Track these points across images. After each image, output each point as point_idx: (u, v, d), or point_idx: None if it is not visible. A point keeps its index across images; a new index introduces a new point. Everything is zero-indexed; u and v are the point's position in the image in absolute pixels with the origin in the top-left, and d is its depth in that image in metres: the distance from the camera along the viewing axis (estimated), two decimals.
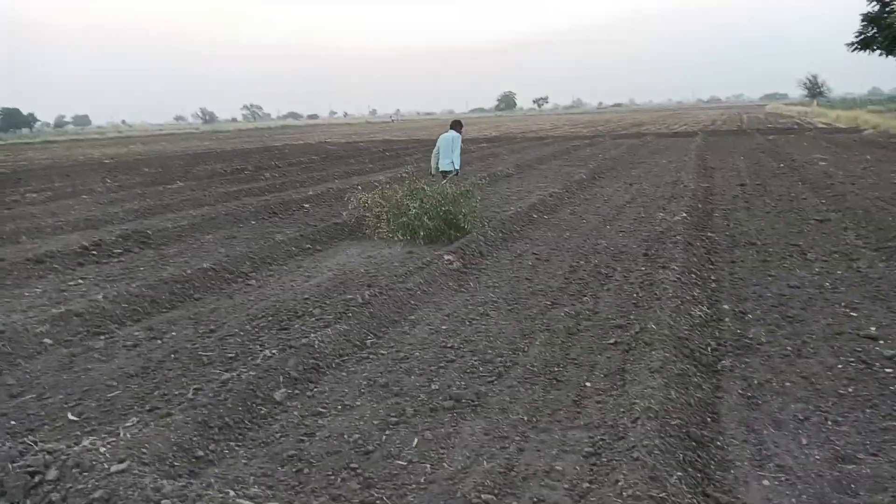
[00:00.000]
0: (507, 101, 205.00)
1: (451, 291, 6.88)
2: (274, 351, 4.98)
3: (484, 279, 7.31)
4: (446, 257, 7.77)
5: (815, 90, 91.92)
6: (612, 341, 5.16)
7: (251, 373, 4.50)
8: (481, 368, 4.78)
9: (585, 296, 6.48)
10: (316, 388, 4.56)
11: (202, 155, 33.08)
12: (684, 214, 9.86)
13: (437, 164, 11.61)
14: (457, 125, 11.79)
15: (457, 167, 11.52)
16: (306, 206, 13.44)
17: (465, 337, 5.46)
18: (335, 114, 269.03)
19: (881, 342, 4.89)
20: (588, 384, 4.41)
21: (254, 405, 4.19)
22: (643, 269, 7.27)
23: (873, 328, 5.17)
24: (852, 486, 3.15)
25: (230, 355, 5.19)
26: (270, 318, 6.12)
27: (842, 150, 21.02)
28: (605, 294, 6.49)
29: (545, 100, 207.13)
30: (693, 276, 6.68)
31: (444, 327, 5.73)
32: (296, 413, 4.18)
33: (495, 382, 4.53)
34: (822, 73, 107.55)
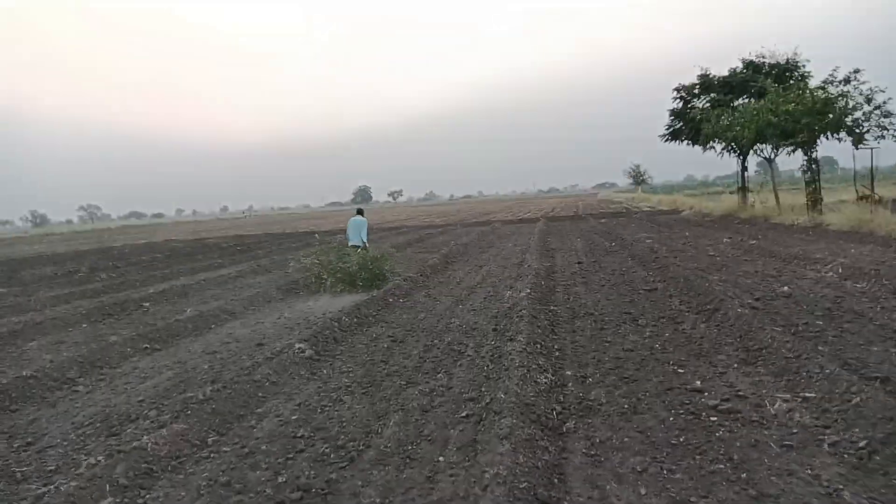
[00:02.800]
0: (362, 195, 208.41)
1: (302, 380, 6.65)
2: (100, 458, 4.50)
3: (338, 364, 7.16)
4: (297, 345, 7.54)
5: (638, 178, 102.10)
6: (464, 414, 5.20)
7: (72, 483, 4.02)
8: (333, 455, 4.60)
9: (439, 373, 6.52)
10: (148, 494, 4.15)
11: (30, 259, 30.27)
12: (529, 291, 10.34)
13: (349, 241, 14.78)
14: (360, 212, 15.69)
15: (365, 241, 14.77)
16: (146, 304, 12.60)
17: (316, 425, 5.25)
18: (182, 212, 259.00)
19: (706, 394, 5.31)
20: (441, 459, 4.38)
21: None
22: (493, 343, 7.47)
23: (698, 382, 5.62)
24: None
25: (50, 468, 4.63)
26: (99, 425, 5.56)
27: (664, 228, 23.29)
28: (457, 370, 6.57)
29: (399, 193, 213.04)
30: (538, 346, 6.96)
31: (294, 417, 5.49)
32: None
33: (347, 468, 4.37)
34: (645, 163, 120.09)
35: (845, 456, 3.99)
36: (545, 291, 10.80)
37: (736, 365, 6.04)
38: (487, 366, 6.53)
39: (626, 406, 5.15)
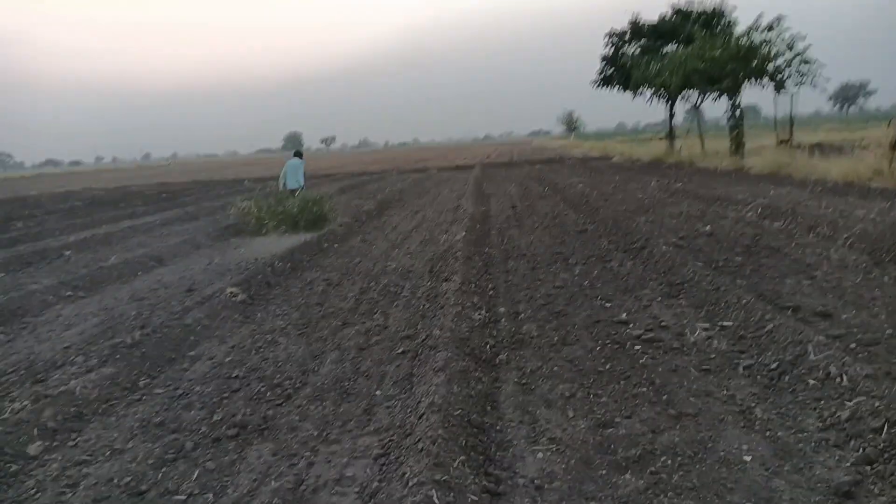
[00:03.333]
0: (293, 141, 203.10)
1: (236, 324, 6.57)
2: (26, 403, 4.37)
3: (272, 308, 7.09)
4: (229, 290, 7.42)
5: (572, 125, 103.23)
6: (400, 351, 5.27)
7: None
8: (269, 393, 4.61)
9: (376, 313, 6.56)
10: (79, 436, 4.07)
11: None
12: (464, 234, 10.43)
13: (285, 183, 14.82)
14: (299, 154, 15.73)
15: (302, 184, 15.01)
16: (67, 252, 12.06)
17: (251, 366, 5.23)
18: (102, 159, 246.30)
19: (631, 325, 5.55)
20: (378, 392, 4.46)
21: (1, 464, 3.63)
22: (429, 284, 7.54)
23: (624, 315, 5.86)
24: (612, 445, 3.51)
25: None
26: (23, 372, 5.37)
27: (595, 174, 23.76)
28: (394, 310, 6.62)
29: (332, 139, 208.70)
30: (473, 286, 7.07)
31: (227, 359, 5.45)
32: (55, 466, 3.69)
33: (284, 404, 4.39)
34: (579, 110, 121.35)
35: (758, 377, 4.27)
36: (480, 235, 10.92)
37: (660, 298, 6.32)
38: (423, 305, 6.62)
39: (555, 338, 5.34)
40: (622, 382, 4.35)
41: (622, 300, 6.37)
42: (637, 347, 5.01)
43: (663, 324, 5.49)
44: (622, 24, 30.24)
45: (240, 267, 9.49)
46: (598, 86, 31.64)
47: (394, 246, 10.66)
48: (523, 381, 4.48)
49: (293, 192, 14.40)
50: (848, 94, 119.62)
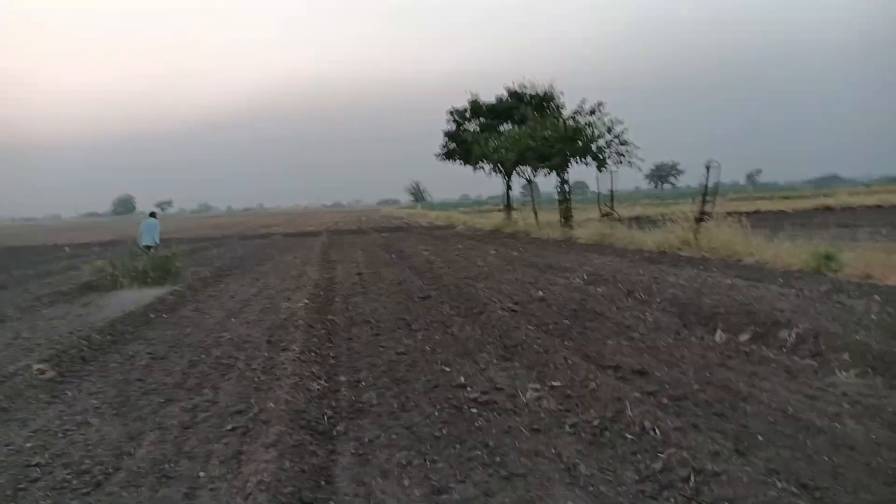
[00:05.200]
0: (124, 205, 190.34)
1: (41, 404, 5.86)
2: None
3: (86, 386, 6.42)
4: (36, 366, 6.65)
5: (419, 195, 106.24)
6: (230, 427, 4.96)
7: None
8: (75, 481, 4.11)
9: (205, 388, 6.15)
10: None
11: None
12: (307, 301, 10.23)
13: (141, 241, 16.63)
14: (153, 215, 18.08)
15: (158, 243, 16.78)
16: None
17: (56, 451, 4.66)
18: None
19: (468, 388, 5.65)
20: (202, 474, 4.13)
21: None
22: (266, 354, 7.24)
23: (462, 378, 5.96)
24: None
25: None
26: None
27: (440, 242, 24.46)
28: (225, 384, 6.25)
29: (169, 203, 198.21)
30: (313, 354, 6.90)
31: (28, 445, 4.82)
32: None
33: (92, 493, 3.93)
34: (426, 181, 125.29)
35: (582, 434, 4.50)
36: (324, 302, 10.75)
37: (496, 361, 6.52)
38: (258, 377, 6.32)
39: (395, 406, 5.30)
40: (458, 446, 4.38)
41: (461, 364, 6.50)
42: (473, 410, 5.10)
43: (498, 386, 5.66)
44: (463, 102, 32.12)
45: (51, 340, 8.55)
46: (442, 159, 33.03)
47: (230, 315, 10.17)
48: (361, 451, 4.37)
49: (148, 248, 16.28)
50: (661, 173, 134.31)
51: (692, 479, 3.51)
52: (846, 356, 5.97)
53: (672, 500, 3.43)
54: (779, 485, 3.45)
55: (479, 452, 4.27)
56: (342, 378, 6.19)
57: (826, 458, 3.93)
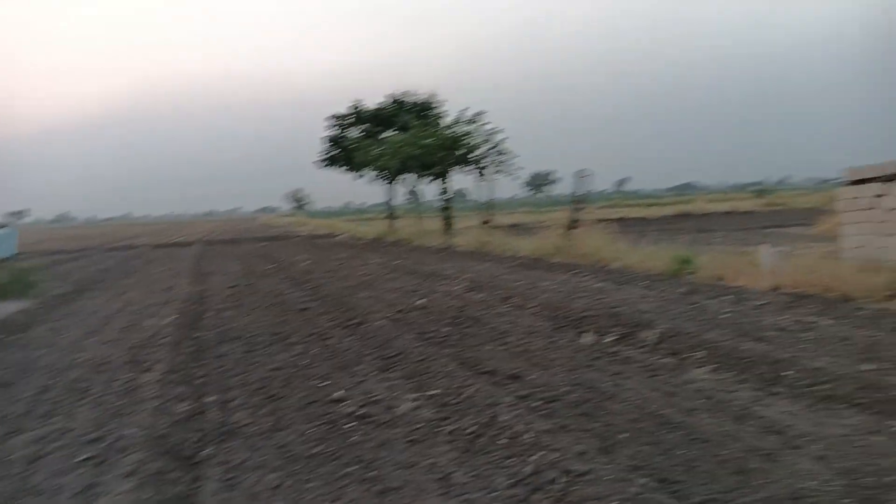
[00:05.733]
0: None
1: None
2: None
3: None
4: None
5: (300, 203, 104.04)
6: (84, 457, 4.56)
7: None
8: None
9: (56, 416, 5.64)
10: None
11: None
12: (176, 317, 9.68)
13: None
14: (3, 226, 17.37)
15: (14, 252, 16.50)
16: None
17: None
18: None
19: (345, 403, 5.55)
20: None
21: None
22: (127, 376, 6.75)
23: (339, 392, 5.84)
24: None
25: None
26: None
27: (321, 251, 24.04)
28: (80, 410, 5.76)
29: (25, 213, 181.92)
30: (179, 374, 6.52)
31: None
32: None
33: None
34: (308, 188, 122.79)
35: (458, 442, 4.53)
36: (193, 317, 10.21)
37: (374, 372, 6.45)
38: (117, 402, 5.88)
39: (268, 424, 5.10)
40: (332, 464, 4.28)
41: (338, 378, 6.37)
42: (349, 425, 5.01)
43: (375, 398, 5.60)
44: (345, 108, 31.82)
45: None
46: (323, 165, 32.55)
47: (89, 334, 9.43)
48: (228, 476, 4.16)
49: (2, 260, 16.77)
50: (538, 182, 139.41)
51: (561, 480, 3.62)
52: (700, 354, 6.43)
53: (541, 502, 3.52)
54: (640, 481, 3.63)
55: (354, 468, 4.19)
56: (211, 398, 5.88)
57: (682, 452, 4.18)
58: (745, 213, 39.39)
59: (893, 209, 11.02)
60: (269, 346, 7.93)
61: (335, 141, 32.12)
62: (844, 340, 6.68)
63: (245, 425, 5.10)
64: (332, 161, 32.63)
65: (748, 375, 5.79)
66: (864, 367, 5.72)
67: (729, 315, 8.15)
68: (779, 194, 52.89)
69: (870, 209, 11.46)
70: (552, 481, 3.65)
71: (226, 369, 6.95)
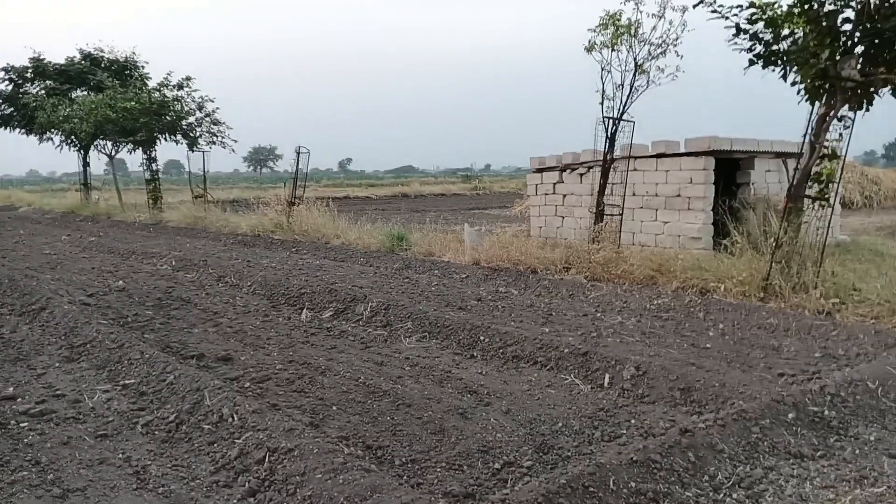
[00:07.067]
0: None
1: None
2: None
3: None
4: None
5: None
6: None
7: None
8: None
9: None
10: None
11: None
12: None
13: None
14: None
15: None
16: None
17: None
18: None
19: (19, 400, 4.77)
20: None
21: None
22: None
23: (12, 388, 5.00)
24: None
25: None
26: None
27: None
28: None
29: None
30: None
31: None
32: None
33: None
34: None
35: (156, 433, 4.18)
36: None
37: (58, 364, 5.66)
38: None
39: None
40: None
41: (11, 371, 5.46)
42: (24, 425, 4.32)
43: (58, 392, 4.90)
44: (24, 60, 27.08)
45: None
46: None
47: None
48: None
49: None
50: (260, 157, 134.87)
51: (266, 459, 3.55)
52: (409, 325, 6.82)
53: (246, 484, 3.41)
54: (346, 450, 3.71)
55: (28, 473, 3.62)
56: None
57: (389, 419, 4.39)
58: (455, 195, 42.78)
59: (566, 195, 12.89)
60: None
61: (9, 97, 27.22)
62: (529, 307, 7.63)
63: None
64: (5, 121, 27.64)
65: (450, 342, 6.31)
66: (544, 329, 6.59)
67: (436, 288, 8.78)
68: (482, 179, 58.29)
69: (550, 194, 13.25)
70: (259, 462, 3.56)
71: None
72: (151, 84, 24.30)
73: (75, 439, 4.08)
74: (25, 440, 4.08)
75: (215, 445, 3.87)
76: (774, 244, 7.65)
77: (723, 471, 3.52)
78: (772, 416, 4.09)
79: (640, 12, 9.55)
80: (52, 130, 25.11)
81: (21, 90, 26.89)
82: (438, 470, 3.68)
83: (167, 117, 21.30)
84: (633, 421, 4.39)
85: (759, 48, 7.87)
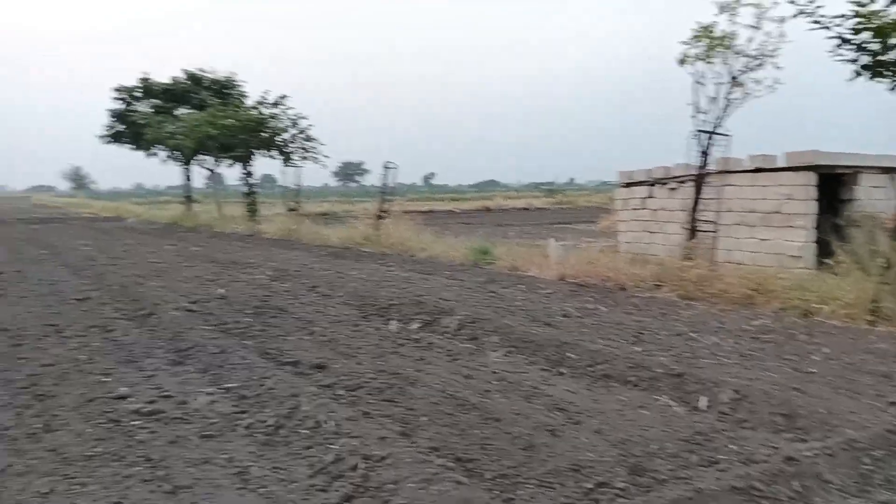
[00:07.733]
0: None
1: None
2: None
3: None
4: None
5: (80, 183, 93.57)
6: None
7: None
8: None
9: None
10: None
11: None
12: None
13: None
14: None
15: None
16: None
17: None
18: None
19: (130, 399, 5.10)
20: None
21: None
22: None
23: (124, 388, 5.35)
24: None
25: None
26: None
27: (106, 236, 21.86)
28: None
29: None
30: None
31: None
32: None
33: None
34: (91, 167, 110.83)
35: (256, 435, 4.37)
36: None
37: (165, 366, 6.01)
38: None
39: (37, 426, 4.54)
40: (114, 464, 3.92)
41: (123, 373, 5.84)
42: (135, 423, 4.61)
43: (167, 393, 5.21)
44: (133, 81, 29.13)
45: None
46: (108, 142, 29.55)
47: None
48: None
49: None
50: (348, 171, 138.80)
51: (361, 466, 3.64)
52: (496, 338, 6.82)
53: (342, 489, 3.51)
54: (438, 461, 3.76)
55: (140, 468, 3.87)
56: None
57: (478, 432, 4.40)
58: (538, 209, 42.52)
59: (657, 210, 12.57)
60: (40, 340, 7.05)
61: (121, 115, 29.26)
62: (619, 325, 7.48)
63: (10, 428, 4.49)
64: (116, 137, 29.72)
65: (537, 357, 6.27)
66: (635, 348, 6.45)
67: (522, 302, 8.75)
68: (566, 193, 57.72)
69: (639, 209, 12.96)
70: (353, 468, 3.66)
71: None
72: (248, 102, 25.54)
73: (182, 438, 4.32)
74: (137, 438, 4.35)
75: (312, 450, 4.00)
76: (885, 264, 7.19)
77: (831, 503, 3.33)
78: (885, 446, 3.85)
79: (735, 24, 9.27)
80: (158, 146, 26.78)
81: (131, 108, 28.88)
82: (529, 486, 3.66)
83: (263, 134, 22.30)
84: (732, 446, 4.22)
85: (865, 59, 7.47)
